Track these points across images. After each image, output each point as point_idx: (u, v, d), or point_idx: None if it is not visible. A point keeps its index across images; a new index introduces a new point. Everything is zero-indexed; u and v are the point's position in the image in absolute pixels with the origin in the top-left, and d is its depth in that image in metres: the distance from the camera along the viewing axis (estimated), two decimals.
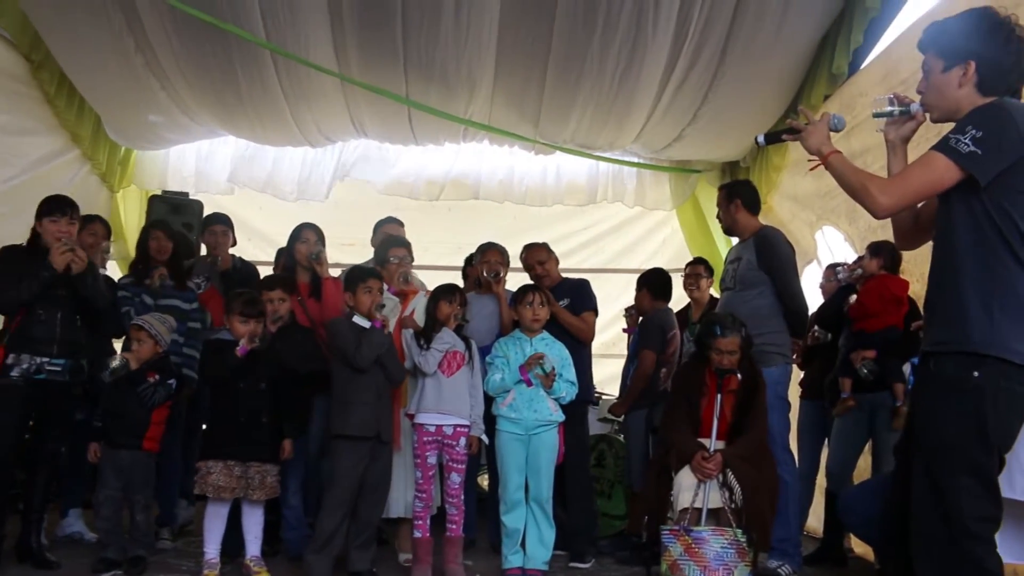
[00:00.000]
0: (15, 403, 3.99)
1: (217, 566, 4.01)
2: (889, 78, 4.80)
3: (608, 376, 7.02)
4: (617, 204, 7.53)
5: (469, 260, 5.71)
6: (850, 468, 4.80)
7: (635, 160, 7.05)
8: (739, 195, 4.79)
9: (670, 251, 7.75)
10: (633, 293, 7.69)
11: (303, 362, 4.42)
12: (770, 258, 4.53)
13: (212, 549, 4.03)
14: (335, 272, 5.13)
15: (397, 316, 4.62)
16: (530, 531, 4.33)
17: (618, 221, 7.84)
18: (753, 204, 4.82)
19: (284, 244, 7.61)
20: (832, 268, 5.38)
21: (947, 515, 2.30)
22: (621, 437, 5.67)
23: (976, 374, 2.29)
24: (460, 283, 5.56)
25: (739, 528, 3.86)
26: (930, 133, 2.74)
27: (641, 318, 5.39)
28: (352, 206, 7.43)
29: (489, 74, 5.84)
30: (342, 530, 4.00)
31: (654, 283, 5.37)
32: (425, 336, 4.31)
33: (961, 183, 2.33)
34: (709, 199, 7.37)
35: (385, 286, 4.63)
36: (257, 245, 7.68)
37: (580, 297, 5.10)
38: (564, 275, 5.37)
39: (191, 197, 7.07)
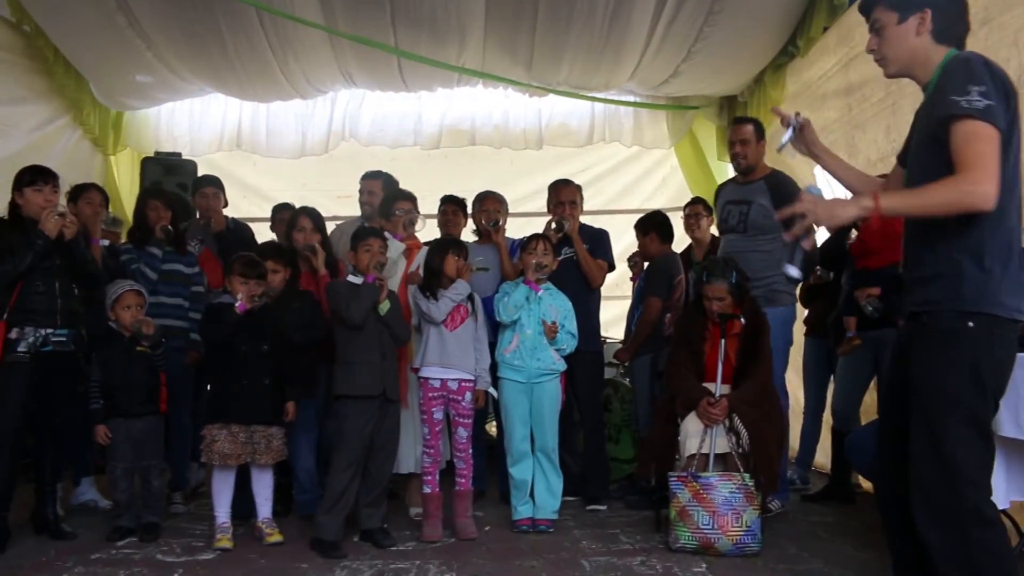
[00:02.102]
0: (22, 379, 3.97)
1: (229, 529, 4.05)
2: None
3: (610, 318, 6.99)
4: (614, 144, 7.44)
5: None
6: (855, 406, 4.81)
7: (631, 99, 6.94)
8: (763, 132, 4.74)
9: (670, 190, 7.68)
10: (633, 234, 7.75)
11: (301, 331, 4.36)
12: (787, 203, 4.47)
13: (223, 513, 4.06)
14: (331, 226, 5.14)
15: (402, 272, 4.60)
16: (538, 481, 4.37)
17: (616, 161, 7.75)
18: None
19: (280, 200, 7.68)
20: None
21: (946, 464, 2.32)
22: (627, 381, 5.68)
23: (971, 324, 2.31)
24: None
25: (747, 472, 3.88)
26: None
27: (647, 264, 5.33)
28: (347, 158, 7.36)
29: (479, 19, 5.72)
30: (353, 488, 4.03)
31: (662, 225, 5.28)
32: (430, 290, 4.28)
33: None
34: (708, 135, 7.31)
35: (391, 237, 4.63)
36: (252, 201, 7.65)
37: (599, 245, 5.07)
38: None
39: (184, 157, 6.99)
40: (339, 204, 7.06)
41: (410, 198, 4.85)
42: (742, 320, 4.08)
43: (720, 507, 3.83)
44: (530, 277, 4.33)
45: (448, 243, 4.45)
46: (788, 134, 2.83)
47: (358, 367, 4.04)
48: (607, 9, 5.51)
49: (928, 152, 2.41)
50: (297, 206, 7.36)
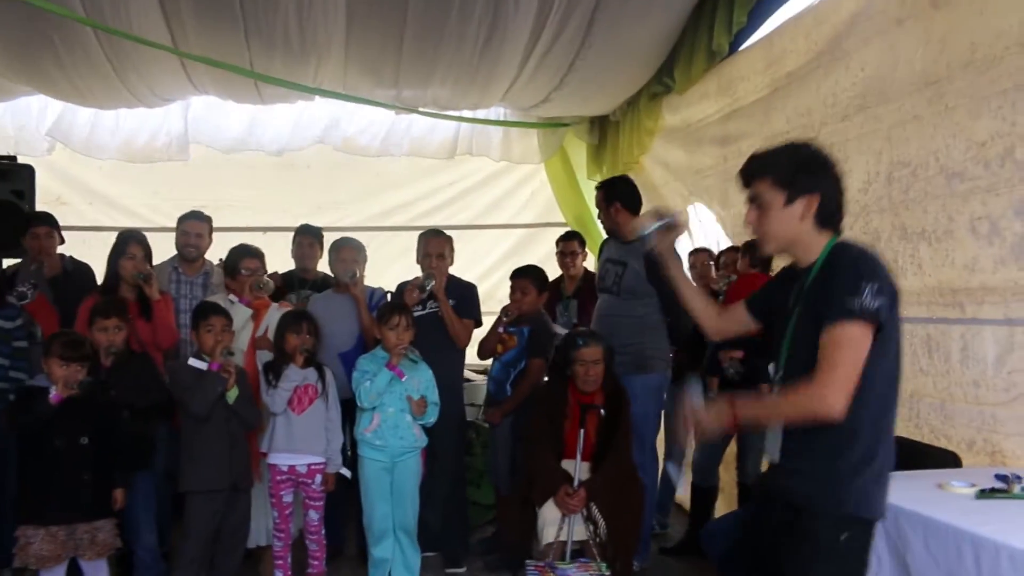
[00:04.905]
0: None
1: None
2: (773, 67, 4.64)
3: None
4: (483, 158, 7.23)
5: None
6: (715, 462, 4.88)
7: (500, 119, 6.75)
8: (618, 197, 4.65)
9: (539, 205, 7.56)
10: (501, 249, 7.62)
11: (142, 395, 4.06)
12: (659, 272, 4.43)
13: None
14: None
15: (248, 338, 4.33)
16: (396, 559, 4.23)
17: (484, 175, 7.54)
18: (634, 204, 4.68)
19: (132, 207, 7.15)
20: (699, 253, 5.35)
21: None
22: (487, 424, 5.55)
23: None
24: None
25: (603, 561, 3.86)
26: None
27: (530, 328, 4.81)
28: (200, 166, 6.89)
29: (339, 40, 5.35)
30: None
31: (540, 278, 4.89)
32: (274, 370, 4.04)
33: None
34: (578, 152, 7.22)
35: (236, 301, 4.34)
36: (100, 209, 7.12)
37: (467, 302, 4.81)
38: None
39: (19, 161, 6.28)
40: None
41: (257, 255, 4.55)
42: (602, 412, 4.02)
43: None
44: (394, 362, 4.10)
45: (286, 319, 4.16)
46: (657, 225, 2.76)
47: (204, 459, 3.79)
48: (477, 43, 5.26)
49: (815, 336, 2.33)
50: (154, 216, 7.01)
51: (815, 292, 2.33)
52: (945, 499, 2.74)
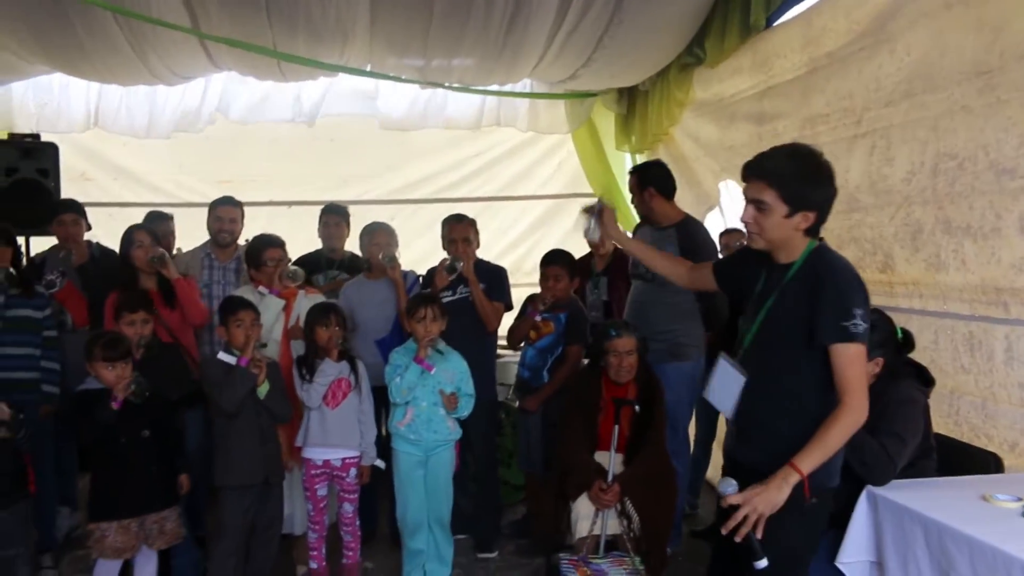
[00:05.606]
0: None
1: None
2: (811, 46, 4.45)
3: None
4: (508, 129, 7.11)
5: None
6: None
7: (527, 92, 6.63)
8: (652, 182, 4.58)
9: (565, 176, 7.42)
10: (528, 221, 7.53)
11: (175, 387, 4.08)
12: (694, 256, 4.37)
13: None
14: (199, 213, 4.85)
15: (281, 331, 4.31)
16: (429, 550, 4.25)
17: (510, 146, 7.40)
18: (668, 189, 4.62)
19: (156, 183, 7.12)
20: (731, 234, 5.26)
21: None
22: (516, 404, 5.53)
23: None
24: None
25: (637, 555, 3.85)
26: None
27: (566, 313, 4.74)
28: (225, 140, 6.85)
29: (364, 19, 5.23)
30: (235, 574, 3.86)
31: (571, 263, 4.79)
32: (307, 364, 4.02)
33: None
34: (606, 122, 7.08)
35: (266, 293, 4.32)
36: (125, 185, 7.09)
37: (496, 285, 4.76)
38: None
39: (43, 139, 6.25)
40: (220, 188, 6.56)
41: (280, 244, 4.48)
42: (636, 408, 3.98)
43: None
44: (422, 355, 4.06)
45: (315, 312, 4.11)
46: (592, 220, 3.23)
47: (236, 455, 3.80)
48: (503, 18, 5.12)
49: (791, 345, 2.59)
50: (180, 192, 6.99)
51: (795, 293, 2.58)
52: (990, 515, 2.68)
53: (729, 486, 2.56)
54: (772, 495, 2.47)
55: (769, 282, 2.68)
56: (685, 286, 3.25)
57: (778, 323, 2.62)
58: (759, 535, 2.50)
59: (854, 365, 2.51)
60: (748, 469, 2.65)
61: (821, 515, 2.67)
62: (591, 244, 5.27)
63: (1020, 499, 2.75)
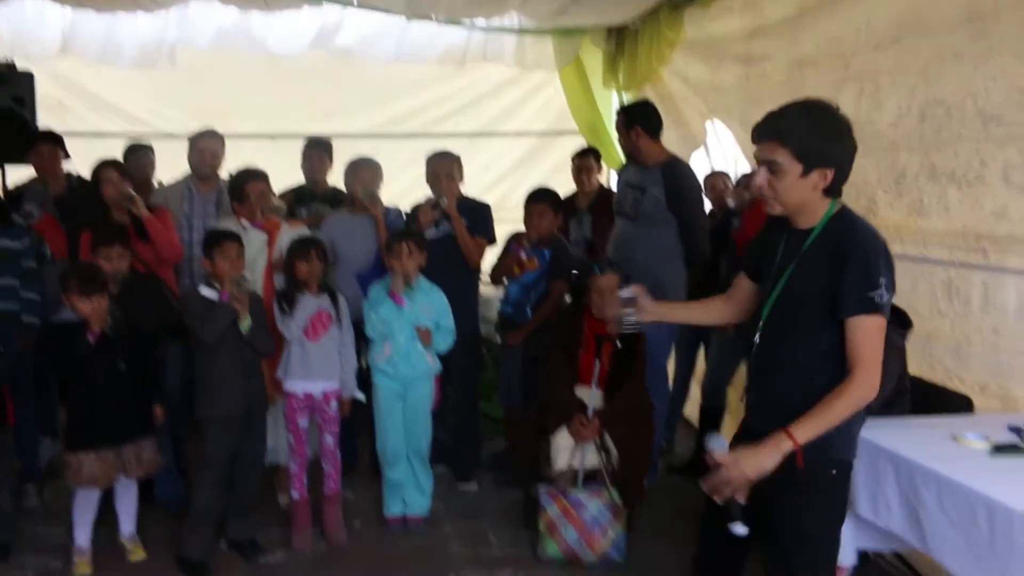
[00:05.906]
0: None
1: (88, 553, 3.86)
2: None
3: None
4: (495, 64, 7.01)
5: None
6: (724, 384, 4.92)
7: (514, 27, 6.52)
8: (638, 121, 4.55)
9: (551, 113, 7.34)
10: (512, 157, 7.49)
11: (153, 317, 4.07)
12: (679, 197, 4.42)
13: (83, 537, 3.86)
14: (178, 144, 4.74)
15: (264, 265, 4.30)
16: (409, 482, 4.33)
17: (495, 83, 7.29)
18: (654, 129, 4.59)
19: (135, 112, 6.99)
20: (715, 176, 5.28)
21: None
22: (497, 338, 5.56)
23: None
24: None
25: (615, 487, 3.94)
26: None
27: (550, 249, 4.75)
28: (204, 70, 6.69)
29: None
30: (219, 505, 3.92)
31: (556, 200, 4.80)
32: (287, 299, 4.03)
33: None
34: (593, 60, 7.01)
35: (249, 227, 4.30)
36: (102, 115, 6.94)
37: (480, 221, 4.75)
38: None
39: (18, 67, 6.10)
40: (199, 119, 6.44)
41: (263, 177, 4.43)
42: (618, 344, 4.02)
43: (588, 524, 3.93)
44: (396, 291, 4.08)
45: (295, 247, 4.10)
46: (628, 311, 2.75)
47: (219, 387, 3.81)
48: None
49: (812, 317, 2.42)
50: (158, 123, 6.86)
51: (815, 261, 2.39)
52: (959, 454, 2.75)
53: (717, 442, 2.44)
54: (761, 459, 2.34)
55: (788, 250, 2.48)
56: (733, 318, 2.84)
57: (798, 294, 2.44)
58: (742, 500, 2.39)
59: (872, 339, 2.35)
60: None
61: (842, 489, 2.52)
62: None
63: (988, 439, 2.83)
